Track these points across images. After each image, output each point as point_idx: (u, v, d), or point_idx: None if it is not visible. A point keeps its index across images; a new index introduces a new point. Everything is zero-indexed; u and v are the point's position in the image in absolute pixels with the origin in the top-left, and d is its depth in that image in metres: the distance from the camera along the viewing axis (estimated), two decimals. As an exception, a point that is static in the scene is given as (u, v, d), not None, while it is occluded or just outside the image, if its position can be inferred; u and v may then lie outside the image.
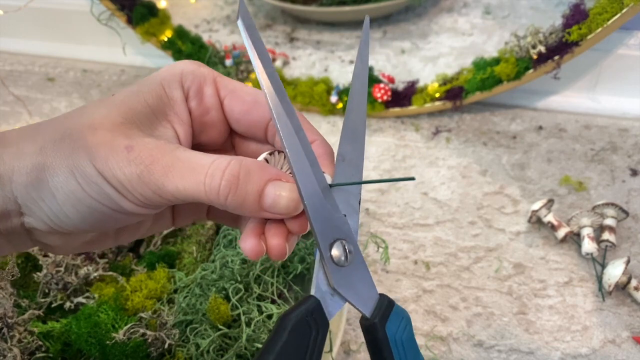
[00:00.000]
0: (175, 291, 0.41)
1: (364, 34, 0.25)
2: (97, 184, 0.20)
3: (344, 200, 0.23)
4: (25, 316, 0.38)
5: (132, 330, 0.36)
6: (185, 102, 0.23)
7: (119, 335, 0.36)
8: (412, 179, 0.20)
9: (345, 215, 0.23)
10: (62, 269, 0.41)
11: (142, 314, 0.38)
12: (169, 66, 0.24)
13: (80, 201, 0.21)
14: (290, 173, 0.22)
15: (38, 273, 0.42)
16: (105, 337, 0.36)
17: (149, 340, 0.36)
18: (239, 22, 0.22)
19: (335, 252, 0.22)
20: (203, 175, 0.20)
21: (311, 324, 0.21)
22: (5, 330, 0.36)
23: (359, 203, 0.24)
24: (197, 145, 0.25)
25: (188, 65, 0.24)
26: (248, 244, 0.22)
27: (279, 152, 0.24)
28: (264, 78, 0.22)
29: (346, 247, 0.22)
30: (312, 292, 0.22)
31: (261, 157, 0.23)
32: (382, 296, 0.23)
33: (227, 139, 0.26)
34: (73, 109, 0.23)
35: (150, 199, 0.21)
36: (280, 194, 0.21)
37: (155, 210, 0.22)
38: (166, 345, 0.37)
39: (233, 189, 0.20)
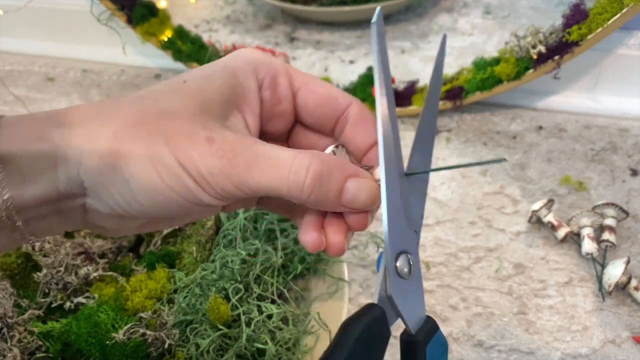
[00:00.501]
0: (175, 291, 0.41)
1: (375, 36, 0.23)
2: (177, 176, 0.20)
3: (416, 189, 0.24)
4: (25, 316, 0.38)
5: (132, 330, 0.36)
6: (258, 92, 0.23)
7: (119, 335, 0.36)
8: (504, 160, 0.20)
9: (415, 231, 0.24)
10: (62, 269, 0.41)
11: (142, 314, 0.38)
12: (239, 53, 0.23)
13: (157, 191, 0.20)
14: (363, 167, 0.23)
15: (38, 273, 0.42)
16: (105, 337, 0.36)
17: (149, 340, 0.36)
18: (373, 28, 0.22)
19: (400, 263, 0.22)
20: (287, 172, 0.20)
21: (376, 334, 0.21)
22: (5, 330, 0.36)
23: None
24: (260, 134, 0.25)
25: (260, 55, 0.24)
26: (309, 237, 0.23)
27: (342, 145, 0.24)
28: (380, 94, 0.22)
29: (410, 261, 0.23)
30: (375, 301, 0.22)
31: (329, 150, 0.24)
32: (429, 318, 0.23)
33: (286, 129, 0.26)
34: (140, 92, 0.22)
35: (230, 192, 0.21)
36: (360, 190, 0.22)
37: (228, 202, 0.22)
38: (166, 345, 0.37)
39: (317, 186, 0.21)
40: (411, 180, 0.24)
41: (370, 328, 0.21)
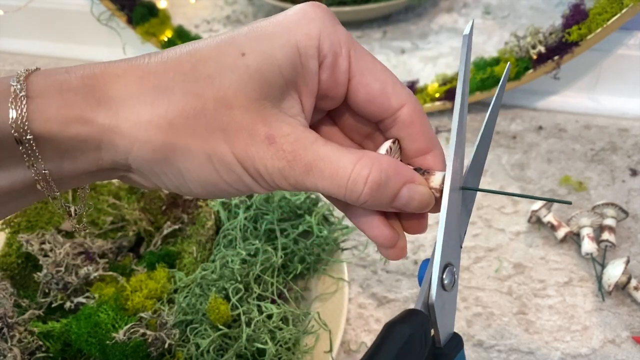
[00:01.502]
0: (175, 291, 0.41)
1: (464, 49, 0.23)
2: (236, 173, 0.20)
3: (465, 203, 0.24)
4: (26, 316, 0.38)
5: (132, 330, 0.36)
6: (317, 72, 0.21)
7: (119, 335, 0.36)
8: (569, 202, 0.21)
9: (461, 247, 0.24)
10: (62, 268, 0.41)
11: (142, 314, 0.38)
12: (304, 20, 0.21)
13: (211, 182, 0.20)
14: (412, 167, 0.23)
15: (38, 273, 0.42)
16: (105, 337, 0.36)
17: (149, 340, 0.36)
18: (465, 40, 0.22)
19: (446, 275, 0.22)
20: (345, 179, 0.20)
21: (420, 340, 0.21)
22: (5, 330, 0.36)
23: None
24: None
25: (326, 26, 0.21)
26: (383, 232, 0.23)
27: (398, 141, 0.24)
28: (459, 104, 0.22)
29: (454, 274, 0.23)
30: (418, 307, 0.22)
31: (385, 146, 0.23)
32: (456, 334, 0.23)
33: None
34: (189, 56, 0.20)
35: (284, 188, 0.21)
36: (413, 197, 0.22)
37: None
38: (166, 345, 0.37)
39: (374, 195, 0.21)
40: (464, 194, 0.24)
41: (415, 334, 0.21)
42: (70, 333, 0.37)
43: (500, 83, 0.26)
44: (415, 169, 0.23)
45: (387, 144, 0.23)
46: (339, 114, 0.25)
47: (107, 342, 0.36)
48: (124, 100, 0.19)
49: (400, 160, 0.24)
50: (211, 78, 0.20)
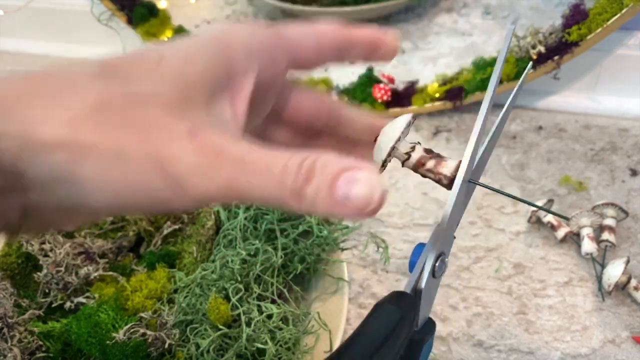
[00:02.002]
0: (176, 291, 0.41)
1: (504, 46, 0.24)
2: (148, 177, 0.16)
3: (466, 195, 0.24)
4: (26, 316, 0.38)
5: (132, 330, 0.36)
6: (249, 75, 0.20)
7: (119, 335, 0.36)
8: (567, 218, 0.22)
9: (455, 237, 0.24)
10: (62, 268, 0.41)
11: (143, 314, 0.38)
12: (233, 29, 0.20)
13: (119, 193, 0.16)
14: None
15: (38, 273, 0.42)
16: (105, 337, 0.36)
17: (149, 340, 0.36)
18: (509, 32, 0.23)
19: (439, 263, 0.23)
20: (276, 180, 0.17)
21: (408, 323, 0.21)
22: (5, 330, 0.36)
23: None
24: None
25: (257, 33, 0.20)
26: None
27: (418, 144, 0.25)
28: (489, 97, 0.23)
29: (445, 262, 0.24)
30: (408, 290, 0.22)
31: (405, 119, 0.23)
32: (430, 319, 0.24)
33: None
34: (103, 63, 0.17)
35: (210, 196, 0.17)
36: (355, 183, 0.16)
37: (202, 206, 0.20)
38: (166, 345, 0.37)
39: (305, 188, 0.16)
40: (468, 187, 0.25)
41: (405, 316, 0.21)
42: (71, 333, 0.37)
43: (519, 82, 0.26)
44: (426, 151, 0.24)
45: (407, 117, 0.23)
46: (282, 117, 0.24)
47: (107, 342, 0.36)
48: (14, 100, 0.16)
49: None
50: (126, 78, 0.17)
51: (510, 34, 0.24)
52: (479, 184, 0.25)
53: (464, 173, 0.23)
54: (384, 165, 0.24)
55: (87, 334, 0.37)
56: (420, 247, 0.24)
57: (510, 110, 0.27)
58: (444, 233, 0.23)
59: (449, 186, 0.23)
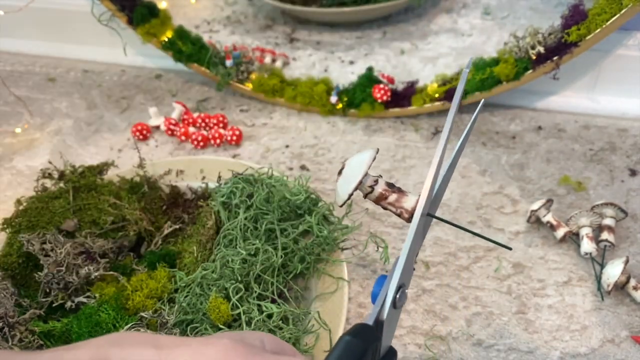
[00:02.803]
0: (176, 291, 0.42)
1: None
2: None
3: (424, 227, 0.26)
4: (26, 316, 0.38)
5: (132, 330, 0.37)
6: None
7: None
8: (509, 248, 0.25)
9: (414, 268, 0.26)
10: (63, 268, 0.41)
11: (143, 314, 0.39)
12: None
13: None
14: None
15: (39, 272, 0.42)
16: None
17: None
18: (463, 77, 0.27)
19: (399, 295, 0.24)
20: None
21: (371, 354, 0.22)
22: (6, 329, 0.36)
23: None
24: None
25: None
26: None
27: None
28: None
29: (406, 292, 0.25)
30: (370, 322, 0.23)
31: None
32: (392, 347, 0.25)
33: None
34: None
35: None
36: None
37: None
38: None
39: None
40: (426, 220, 0.26)
41: (368, 348, 0.22)
42: (71, 333, 0.38)
43: (471, 119, 0.28)
44: (388, 185, 0.25)
45: (372, 152, 0.26)
46: None
47: None
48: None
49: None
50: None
51: (465, 76, 0.26)
52: (437, 218, 0.26)
53: (421, 209, 0.24)
54: (349, 197, 0.26)
55: (87, 334, 0.37)
56: (382, 278, 0.25)
57: (464, 145, 0.28)
58: (406, 266, 0.24)
59: (409, 220, 0.24)
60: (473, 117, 0.28)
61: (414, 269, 0.26)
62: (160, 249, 0.46)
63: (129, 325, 0.37)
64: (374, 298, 0.25)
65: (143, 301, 0.40)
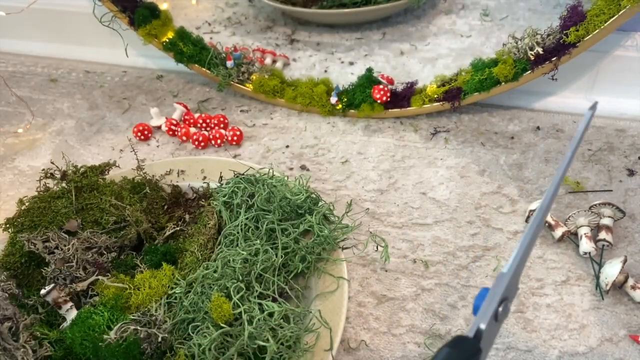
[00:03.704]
0: (178, 290, 0.42)
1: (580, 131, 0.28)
2: None
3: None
4: (27, 321, 0.38)
5: (123, 329, 0.37)
6: None
7: (111, 335, 0.36)
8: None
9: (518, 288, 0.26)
10: (73, 264, 0.42)
11: (140, 312, 0.39)
12: None
13: None
14: None
15: (46, 268, 0.42)
16: (99, 339, 0.36)
17: (141, 336, 0.37)
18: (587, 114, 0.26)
19: (502, 308, 0.24)
20: None
21: None
22: (14, 329, 0.37)
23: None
24: None
25: None
26: None
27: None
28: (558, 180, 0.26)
29: (508, 306, 0.25)
30: (471, 335, 0.23)
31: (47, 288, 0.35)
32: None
33: None
34: None
35: None
36: None
37: None
38: (159, 339, 0.37)
39: None
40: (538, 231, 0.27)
41: (464, 358, 0.22)
42: (66, 338, 0.38)
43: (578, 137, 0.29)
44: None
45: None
46: None
47: (100, 343, 0.36)
48: None
49: None
50: None
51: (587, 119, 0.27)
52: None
53: (533, 231, 0.25)
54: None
55: (81, 338, 0.37)
56: (484, 291, 0.25)
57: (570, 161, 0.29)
58: (513, 281, 0.24)
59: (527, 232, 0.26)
60: (580, 130, 0.29)
61: (518, 288, 0.26)
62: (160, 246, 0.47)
63: (118, 325, 0.37)
64: (475, 310, 0.24)
65: (145, 299, 0.40)
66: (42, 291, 0.38)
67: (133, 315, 0.38)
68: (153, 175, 0.53)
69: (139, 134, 0.67)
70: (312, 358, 0.38)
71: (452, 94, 0.63)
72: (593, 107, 0.29)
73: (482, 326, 0.23)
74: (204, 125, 0.68)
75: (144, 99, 0.76)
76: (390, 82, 0.68)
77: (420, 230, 0.53)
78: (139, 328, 0.37)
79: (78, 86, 0.80)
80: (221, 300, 0.38)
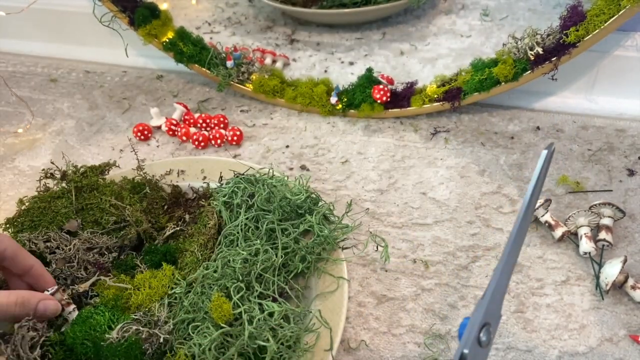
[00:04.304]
0: (178, 290, 0.42)
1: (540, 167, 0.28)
2: None
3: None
4: (51, 335, 0.38)
5: (125, 329, 0.37)
6: None
7: (113, 335, 0.36)
8: None
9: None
10: (74, 264, 0.42)
11: (141, 312, 0.39)
12: None
13: None
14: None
15: (47, 268, 0.42)
16: (100, 339, 0.36)
17: (143, 337, 0.37)
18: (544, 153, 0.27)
19: (483, 333, 0.24)
20: (3, 306, 0.36)
21: None
22: (35, 340, 0.37)
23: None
24: None
25: None
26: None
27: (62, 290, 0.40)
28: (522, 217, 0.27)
29: (490, 332, 0.25)
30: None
31: (51, 290, 0.39)
32: None
33: None
34: None
35: None
36: (47, 307, 0.38)
37: None
38: (161, 339, 0.37)
39: (22, 309, 0.37)
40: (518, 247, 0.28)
41: None
42: (67, 339, 0.38)
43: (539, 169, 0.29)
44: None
45: (52, 289, 0.40)
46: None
47: (102, 343, 0.36)
48: None
49: None
50: None
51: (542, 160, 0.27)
52: None
53: (505, 260, 0.26)
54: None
55: (82, 338, 0.37)
56: (467, 320, 0.25)
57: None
58: (494, 305, 0.25)
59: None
60: (537, 170, 0.29)
61: (501, 315, 0.26)
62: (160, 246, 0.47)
63: (120, 325, 0.37)
64: (460, 336, 0.25)
65: (145, 299, 0.40)
66: (46, 293, 0.38)
67: (135, 315, 0.38)
68: (153, 175, 0.53)
69: (139, 134, 0.67)
70: (312, 358, 0.38)
71: (452, 94, 0.63)
72: (549, 147, 0.29)
73: (466, 351, 0.23)
74: (204, 125, 0.68)
75: (144, 99, 0.76)
76: (390, 82, 0.68)
77: (420, 230, 0.53)
78: (140, 328, 0.37)
79: (78, 86, 0.80)
80: (221, 300, 0.38)
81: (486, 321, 0.24)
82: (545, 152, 0.28)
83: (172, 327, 0.39)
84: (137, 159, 0.54)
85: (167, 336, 0.37)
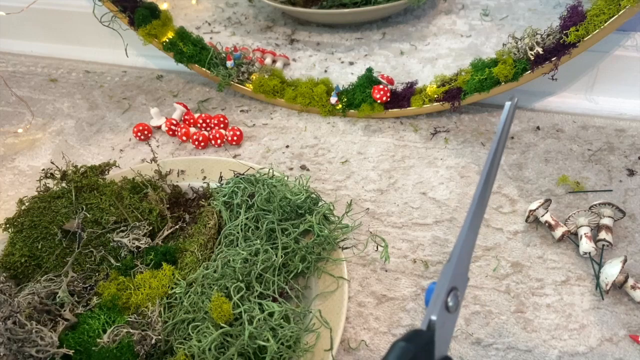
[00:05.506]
0: (178, 290, 0.42)
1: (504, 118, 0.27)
2: None
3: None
4: (27, 311, 0.38)
5: (115, 332, 0.37)
6: None
7: (104, 339, 0.36)
8: None
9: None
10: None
11: (136, 314, 0.39)
12: None
13: None
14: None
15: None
16: (92, 343, 0.36)
17: (135, 339, 0.36)
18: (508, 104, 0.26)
19: (450, 298, 0.24)
20: None
21: (423, 356, 0.22)
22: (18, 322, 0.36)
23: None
24: None
25: None
26: None
27: None
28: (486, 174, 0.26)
29: (458, 297, 0.25)
30: (424, 327, 0.23)
31: None
32: (448, 357, 0.25)
33: None
34: None
35: None
36: None
37: None
38: (153, 341, 0.37)
39: None
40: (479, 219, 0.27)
41: (419, 353, 0.22)
42: (65, 345, 0.37)
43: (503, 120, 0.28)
44: None
45: None
46: None
47: (93, 347, 0.36)
48: None
49: None
50: None
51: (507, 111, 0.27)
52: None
53: (471, 218, 0.25)
54: None
55: (75, 345, 0.37)
56: (433, 284, 0.25)
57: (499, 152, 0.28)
58: (460, 269, 0.24)
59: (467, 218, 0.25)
60: (502, 122, 0.28)
61: (468, 278, 0.26)
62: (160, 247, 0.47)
63: (111, 328, 0.37)
64: (426, 302, 0.25)
65: (144, 300, 0.40)
66: None
67: (129, 318, 0.38)
68: (153, 176, 0.53)
69: (139, 134, 0.67)
70: (312, 358, 0.38)
71: (452, 94, 0.63)
72: (512, 99, 0.29)
73: (434, 318, 0.23)
74: (204, 125, 0.68)
75: (144, 99, 0.76)
76: (390, 82, 0.68)
77: (420, 230, 0.53)
78: (131, 330, 0.37)
79: (78, 86, 0.80)
80: (221, 300, 0.38)
81: (453, 286, 0.24)
82: (508, 103, 0.28)
83: (171, 327, 0.39)
84: (153, 152, 0.55)
85: (159, 337, 0.37)
